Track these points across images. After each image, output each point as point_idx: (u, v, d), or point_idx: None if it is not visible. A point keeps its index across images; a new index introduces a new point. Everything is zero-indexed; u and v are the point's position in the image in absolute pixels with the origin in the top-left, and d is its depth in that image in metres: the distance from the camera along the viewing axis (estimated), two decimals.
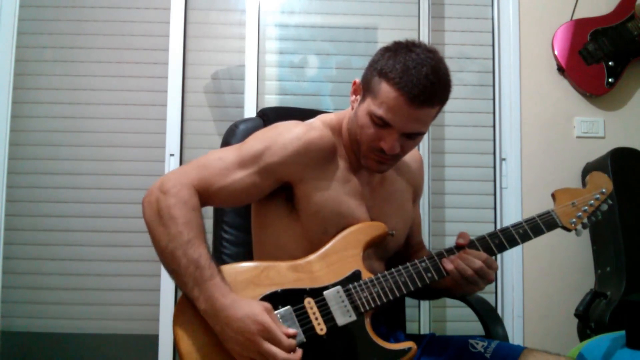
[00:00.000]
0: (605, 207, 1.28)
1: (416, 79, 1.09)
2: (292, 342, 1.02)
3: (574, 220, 1.25)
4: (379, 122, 1.14)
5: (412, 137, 1.17)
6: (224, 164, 1.16)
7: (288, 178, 1.19)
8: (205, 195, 1.14)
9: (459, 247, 1.19)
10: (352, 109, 1.23)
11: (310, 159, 1.18)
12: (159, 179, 1.15)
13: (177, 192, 1.10)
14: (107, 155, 2.32)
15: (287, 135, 1.18)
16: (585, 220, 1.26)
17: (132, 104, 2.35)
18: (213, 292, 1.03)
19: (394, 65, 1.11)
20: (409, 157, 1.37)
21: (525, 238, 1.22)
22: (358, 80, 1.22)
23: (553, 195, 1.28)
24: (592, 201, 1.27)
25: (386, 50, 1.17)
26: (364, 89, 1.18)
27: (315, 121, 1.26)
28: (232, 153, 1.19)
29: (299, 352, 1.02)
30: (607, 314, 2.04)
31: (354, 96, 1.23)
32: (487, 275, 1.15)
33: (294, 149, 1.17)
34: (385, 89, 1.11)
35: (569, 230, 1.26)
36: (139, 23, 2.38)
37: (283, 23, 2.45)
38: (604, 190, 1.29)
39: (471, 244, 1.19)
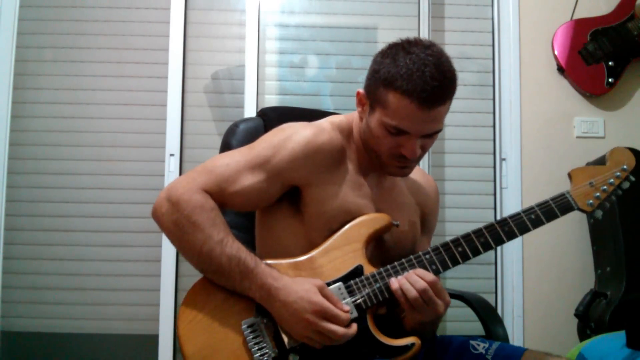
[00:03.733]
0: (627, 184, 1.18)
1: (422, 82, 1.07)
2: (348, 316, 1.06)
3: (591, 201, 1.17)
4: (395, 131, 1.12)
5: (430, 136, 1.16)
6: (232, 170, 1.15)
7: (297, 182, 1.17)
8: (216, 200, 1.13)
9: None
10: (361, 119, 1.21)
11: (319, 163, 1.16)
12: (164, 189, 1.13)
13: (188, 199, 1.09)
14: (107, 155, 2.32)
15: (296, 138, 1.16)
16: (604, 201, 1.17)
17: (132, 104, 2.35)
18: (264, 278, 1.06)
19: (397, 72, 1.09)
20: (424, 182, 1.36)
21: (537, 224, 1.15)
22: (361, 91, 1.20)
23: (569, 175, 1.21)
24: (612, 179, 1.18)
25: (383, 56, 1.14)
26: (371, 99, 1.16)
27: (324, 123, 1.23)
28: (239, 158, 1.17)
29: (354, 325, 1.06)
30: (607, 314, 2.03)
31: (360, 107, 1.21)
32: (432, 302, 1.08)
33: (303, 153, 1.15)
34: (394, 99, 1.09)
35: (586, 212, 1.17)
36: (139, 23, 2.38)
37: (283, 23, 2.45)
38: (625, 166, 1.19)
39: (479, 232, 1.16)
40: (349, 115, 1.28)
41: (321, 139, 1.17)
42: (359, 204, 1.20)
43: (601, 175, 1.19)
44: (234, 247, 1.08)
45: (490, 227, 1.16)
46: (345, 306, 1.07)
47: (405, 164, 1.18)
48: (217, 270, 1.08)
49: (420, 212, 1.34)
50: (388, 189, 1.28)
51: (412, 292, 1.08)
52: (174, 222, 1.09)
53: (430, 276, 1.10)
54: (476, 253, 1.15)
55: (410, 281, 1.09)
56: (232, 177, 1.14)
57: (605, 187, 1.18)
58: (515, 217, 1.17)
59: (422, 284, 1.08)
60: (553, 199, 1.18)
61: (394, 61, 1.11)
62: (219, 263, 1.07)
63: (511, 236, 1.16)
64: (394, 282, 1.10)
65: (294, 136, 1.17)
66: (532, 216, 1.16)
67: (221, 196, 1.13)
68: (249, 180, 1.15)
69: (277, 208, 1.21)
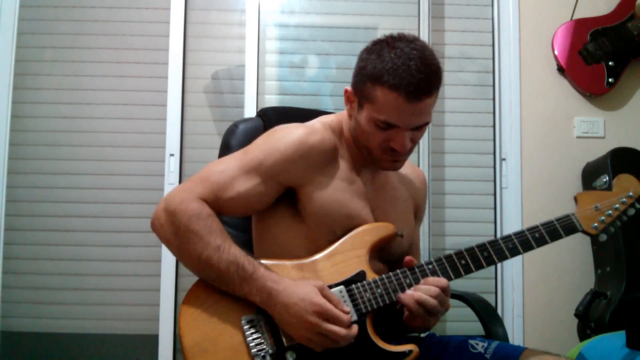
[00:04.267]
0: (632, 211, 1.21)
1: (408, 75, 1.08)
2: (349, 317, 1.06)
3: (596, 224, 1.20)
4: (384, 126, 1.14)
5: (419, 128, 1.17)
6: (226, 176, 1.15)
7: (292, 183, 1.18)
8: (213, 207, 1.13)
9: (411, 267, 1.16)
10: (350, 116, 1.23)
11: (312, 162, 1.17)
12: (161, 201, 1.14)
13: (185, 208, 1.10)
14: (107, 155, 2.32)
15: (288, 139, 1.17)
16: (608, 225, 1.20)
17: (132, 104, 2.35)
18: (264, 281, 1.07)
19: (383, 67, 1.10)
20: (413, 174, 1.38)
21: (541, 242, 1.18)
22: (349, 88, 1.21)
23: (575, 199, 1.23)
24: (618, 205, 1.20)
25: (369, 52, 1.16)
26: (359, 96, 1.18)
27: (316, 123, 1.25)
28: (233, 164, 1.17)
29: (355, 327, 1.07)
30: (607, 314, 2.03)
31: (349, 105, 1.23)
32: (445, 302, 1.12)
33: (296, 154, 1.16)
34: (382, 94, 1.11)
35: (590, 235, 1.21)
36: (139, 23, 2.38)
37: (283, 23, 2.45)
38: (631, 193, 1.21)
39: (482, 247, 1.17)
40: (339, 114, 1.29)
41: (313, 139, 1.18)
42: (358, 206, 1.21)
43: (607, 200, 1.21)
44: (232, 253, 1.08)
45: (494, 243, 1.18)
46: (346, 307, 1.08)
47: (397, 158, 1.20)
48: (217, 277, 1.09)
49: (413, 204, 1.37)
50: (381, 185, 1.30)
51: (431, 301, 1.10)
52: (173, 232, 1.10)
53: (443, 281, 1.13)
54: (479, 267, 1.17)
55: (425, 292, 1.10)
56: (226, 183, 1.15)
57: (610, 211, 1.21)
58: (520, 234, 1.18)
59: (435, 290, 1.11)
60: (558, 219, 1.20)
61: (379, 57, 1.12)
62: (218, 270, 1.08)
63: (514, 253, 1.17)
64: (406, 298, 1.11)
65: (286, 137, 1.18)
66: (537, 235, 1.18)
67: (217, 203, 1.14)
68: (244, 185, 1.15)
69: (275, 211, 1.22)
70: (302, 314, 1.04)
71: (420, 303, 1.10)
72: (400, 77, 1.09)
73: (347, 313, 1.07)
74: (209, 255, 1.08)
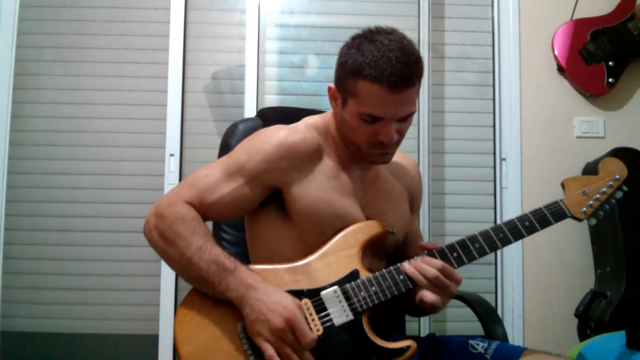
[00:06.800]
0: (620, 194, 1.21)
1: (389, 66, 1.09)
2: (315, 338, 1.04)
3: (584, 209, 1.20)
4: (370, 119, 1.15)
5: (405, 119, 1.17)
6: (211, 180, 1.17)
7: (276, 184, 1.19)
8: (199, 211, 1.15)
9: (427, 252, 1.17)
10: (335, 113, 1.24)
11: (294, 162, 1.18)
12: (152, 207, 1.17)
13: (171, 211, 1.13)
14: (107, 155, 2.32)
15: (269, 141, 1.19)
16: (597, 209, 1.20)
17: (132, 104, 2.35)
18: (244, 277, 1.07)
19: (363, 60, 1.12)
20: (405, 163, 1.39)
21: (531, 230, 1.18)
22: (332, 85, 1.23)
23: (562, 185, 1.23)
24: (605, 188, 1.21)
25: (348, 47, 1.18)
26: (342, 92, 1.19)
27: (299, 124, 1.26)
28: (217, 168, 1.19)
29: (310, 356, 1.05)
30: (607, 314, 2.04)
31: (333, 102, 1.24)
32: (445, 286, 1.12)
33: (277, 154, 1.17)
34: (364, 87, 1.12)
35: (579, 220, 1.21)
36: (139, 23, 2.38)
37: (283, 23, 2.45)
38: (617, 176, 1.22)
39: (474, 239, 1.18)
40: (324, 115, 1.31)
41: (293, 138, 1.19)
42: (345, 205, 1.22)
43: (594, 184, 1.22)
44: (213, 253, 1.09)
45: (484, 234, 1.18)
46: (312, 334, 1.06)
47: (385, 151, 1.20)
48: (198, 278, 1.09)
49: (408, 194, 1.37)
50: (372, 181, 1.30)
51: (424, 282, 1.11)
52: (159, 235, 1.13)
53: (438, 263, 1.13)
54: (471, 258, 1.17)
55: (420, 270, 1.12)
56: (211, 187, 1.17)
57: (598, 195, 1.21)
58: (509, 223, 1.19)
59: (433, 272, 1.11)
60: (546, 206, 1.21)
61: (359, 51, 1.14)
62: (198, 270, 1.08)
63: (505, 242, 1.18)
64: (408, 267, 1.13)
65: (267, 139, 1.20)
66: (526, 223, 1.19)
67: (203, 207, 1.16)
68: (228, 188, 1.17)
69: (264, 213, 1.23)
70: (273, 314, 1.02)
71: (414, 279, 1.12)
72: (381, 69, 1.10)
73: (315, 339, 1.05)
74: (190, 256, 1.09)
